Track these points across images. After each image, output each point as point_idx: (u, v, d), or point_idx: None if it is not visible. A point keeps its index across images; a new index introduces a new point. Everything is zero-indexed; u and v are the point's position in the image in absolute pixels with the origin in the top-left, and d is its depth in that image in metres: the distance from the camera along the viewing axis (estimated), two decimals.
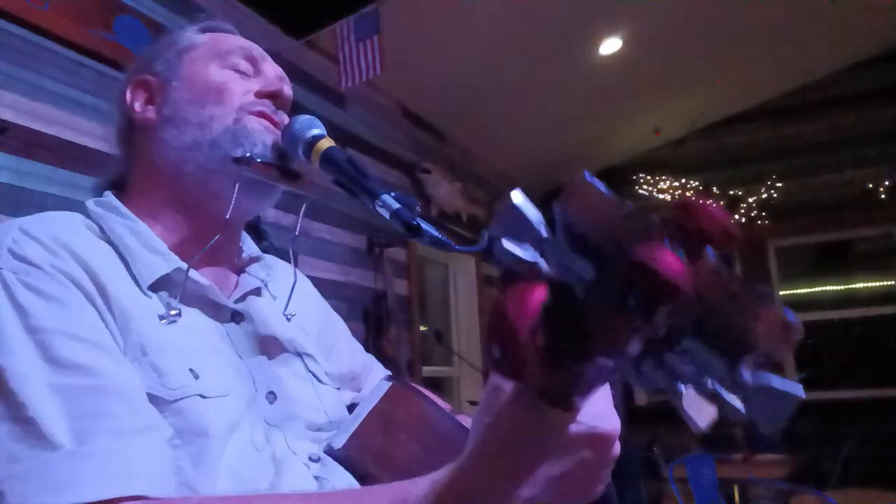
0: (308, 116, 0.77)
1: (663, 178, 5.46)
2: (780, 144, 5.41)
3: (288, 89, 0.83)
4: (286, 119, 0.81)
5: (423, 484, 0.48)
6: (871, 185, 5.03)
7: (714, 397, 0.34)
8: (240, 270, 0.85)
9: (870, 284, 5.27)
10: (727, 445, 4.56)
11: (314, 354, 0.83)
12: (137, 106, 0.82)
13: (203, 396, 0.65)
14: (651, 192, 5.48)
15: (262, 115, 0.79)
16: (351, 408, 0.85)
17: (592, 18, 3.88)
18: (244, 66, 0.83)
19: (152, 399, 0.62)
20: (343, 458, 0.68)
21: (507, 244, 0.37)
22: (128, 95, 0.83)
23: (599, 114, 4.98)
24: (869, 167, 5.07)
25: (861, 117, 5.16)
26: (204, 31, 0.88)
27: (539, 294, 0.34)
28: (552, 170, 5.77)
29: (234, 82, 0.80)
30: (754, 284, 0.32)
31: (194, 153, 0.77)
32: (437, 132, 4.60)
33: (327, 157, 0.72)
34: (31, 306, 0.60)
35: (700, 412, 0.35)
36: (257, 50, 0.86)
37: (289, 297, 0.85)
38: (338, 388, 0.86)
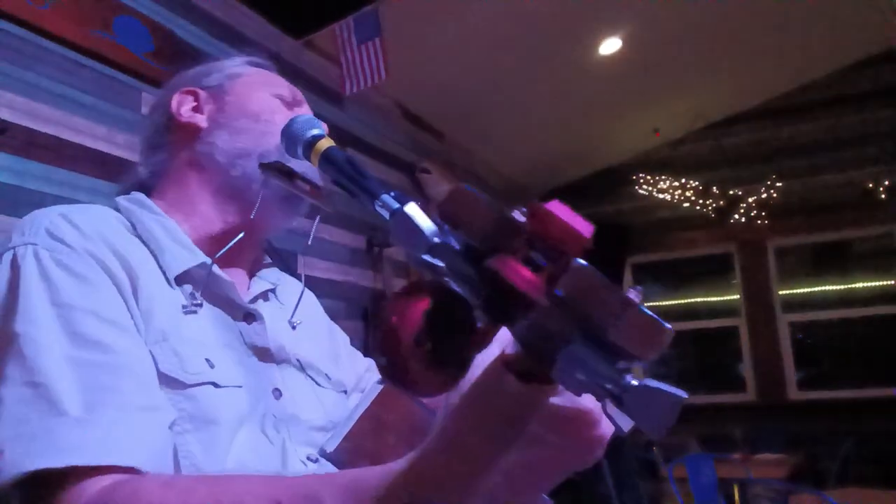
0: (308, 116, 0.77)
1: (663, 178, 5.46)
2: (780, 144, 5.42)
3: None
4: None
5: (376, 472, 0.46)
6: (871, 185, 5.03)
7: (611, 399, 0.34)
8: (252, 275, 0.88)
9: (870, 284, 5.27)
10: (727, 445, 4.56)
11: (315, 362, 0.86)
12: (184, 111, 0.87)
13: (217, 385, 0.67)
14: (651, 192, 5.48)
15: None
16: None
17: (592, 18, 3.88)
18: (288, 98, 0.89)
19: (170, 381, 0.65)
20: (335, 460, 0.70)
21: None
22: (175, 100, 0.87)
23: (599, 114, 4.98)
24: (869, 167, 5.07)
25: (861, 117, 5.16)
26: (251, 64, 0.94)
27: (422, 305, 0.35)
28: (552, 170, 5.77)
29: (279, 111, 0.86)
30: (620, 290, 0.32)
31: (243, 160, 0.82)
32: (437, 132, 4.60)
33: (327, 158, 0.72)
34: (61, 282, 0.64)
35: (623, 416, 0.34)
36: (297, 92, 0.92)
37: (296, 305, 0.88)
38: (344, 392, 0.88)
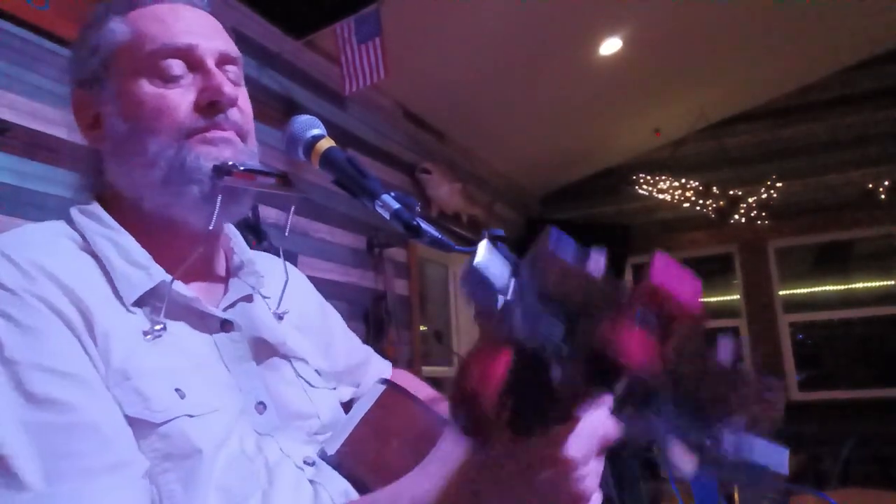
0: (308, 116, 0.76)
1: (663, 178, 5.46)
2: (780, 144, 5.41)
3: (230, 89, 0.74)
4: (239, 110, 0.76)
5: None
6: (871, 186, 5.03)
7: (695, 448, 0.35)
8: (229, 275, 0.82)
9: (870, 284, 5.27)
10: None
11: (306, 357, 0.82)
12: (85, 129, 0.79)
13: (191, 416, 0.63)
14: (651, 192, 5.47)
15: (206, 135, 0.73)
16: (348, 405, 0.85)
17: (592, 18, 3.88)
18: (176, 68, 0.73)
19: (139, 423, 0.61)
20: (335, 464, 0.68)
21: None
22: (73, 106, 0.79)
23: (599, 114, 4.98)
24: (869, 167, 5.07)
25: (861, 117, 5.16)
26: (122, 12, 0.76)
27: (504, 360, 0.33)
28: (552, 170, 5.77)
29: (168, 99, 0.72)
30: (738, 362, 0.33)
31: (150, 191, 0.72)
32: (437, 132, 4.60)
33: (327, 158, 0.72)
34: (6, 336, 0.58)
35: (685, 460, 0.35)
36: (185, 37, 0.74)
37: (280, 295, 0.83)
38: (333, 389, 0.85)
